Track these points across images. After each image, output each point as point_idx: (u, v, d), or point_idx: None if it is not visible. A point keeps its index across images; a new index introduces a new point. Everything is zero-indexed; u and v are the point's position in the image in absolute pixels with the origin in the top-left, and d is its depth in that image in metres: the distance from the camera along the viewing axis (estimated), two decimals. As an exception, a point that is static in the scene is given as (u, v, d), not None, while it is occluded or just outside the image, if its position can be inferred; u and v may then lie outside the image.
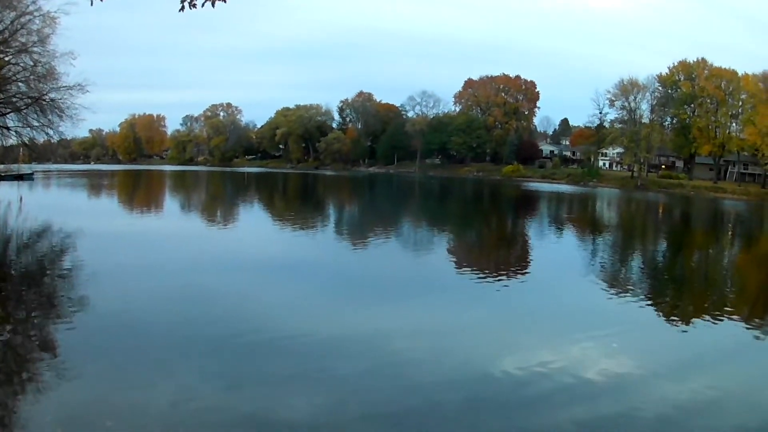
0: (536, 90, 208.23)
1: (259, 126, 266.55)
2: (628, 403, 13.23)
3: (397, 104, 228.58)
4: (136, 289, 22.30)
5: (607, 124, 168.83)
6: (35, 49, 58.50)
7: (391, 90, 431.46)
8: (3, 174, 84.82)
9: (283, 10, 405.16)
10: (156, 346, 15.84)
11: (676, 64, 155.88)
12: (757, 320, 21.91)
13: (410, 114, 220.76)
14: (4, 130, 63.08)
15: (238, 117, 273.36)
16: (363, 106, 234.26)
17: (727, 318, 21.35)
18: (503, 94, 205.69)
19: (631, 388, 14.17)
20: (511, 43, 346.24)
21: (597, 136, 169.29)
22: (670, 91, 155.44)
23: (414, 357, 15.84)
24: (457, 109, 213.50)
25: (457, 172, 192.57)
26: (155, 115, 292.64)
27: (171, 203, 74.37)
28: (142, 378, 13.57)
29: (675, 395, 13.79)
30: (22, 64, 60.26)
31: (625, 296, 24.37)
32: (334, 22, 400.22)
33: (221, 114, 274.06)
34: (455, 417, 12.39)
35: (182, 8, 10.50)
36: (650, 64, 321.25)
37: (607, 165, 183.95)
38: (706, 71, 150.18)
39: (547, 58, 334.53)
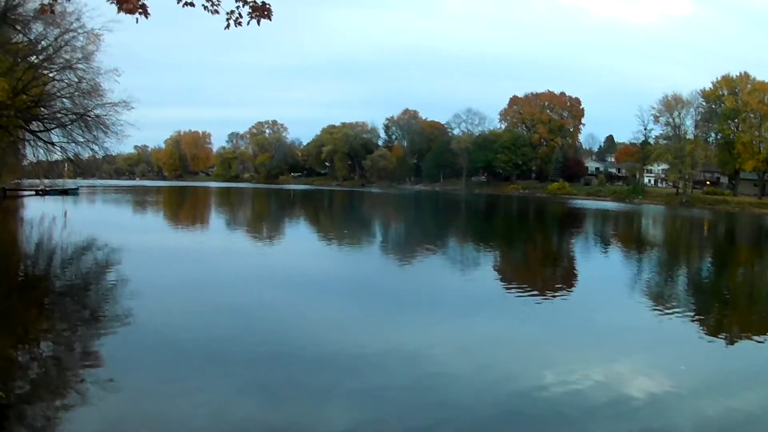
0: (581, 107, 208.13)
1: (304, 143, 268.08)
2: (667, 420, 13.18)
3: (443, 122, 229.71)
4: (178, 304, 22.69)
5: (651, 140, 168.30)
6: (79, 65, 59.71)
7: (437, 107, 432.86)
8: (48, 189, 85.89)
9: (328, 28, 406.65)
10: (196, 360, 15.96)
11: (719, 78, 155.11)
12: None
13: (455, 131, 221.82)
14: (49, 146, 64.31)
15: (283, 134, 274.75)
16: (408, 123, 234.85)
17: None
18: (548, 111, 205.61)
19: (669, 406, 14.10)
20: (555, 60, 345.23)
21: (642, 152, 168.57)
22: (713, 106, 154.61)
23: (454, 373, 15.86)
24: (503, 127, 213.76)
25: (502, 189, 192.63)
26: (201, 132, 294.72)
27: (216, 220, 74.55)
28: (182, 391, 13.74)
29: (714, 414, 13.82)
30: (66, 81, 61.34)
31: (669, 314, 24.02)
32: (380, 40, 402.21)
33: (267, 131, 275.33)
34: (493, 431, 12.60)
35: (228, 26, 11.13)
36: (691, 78, 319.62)
37: (652, 182, 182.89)
38: (749, 86, 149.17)
39: (592, 75, 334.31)
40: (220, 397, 13.47)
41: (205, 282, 27.74)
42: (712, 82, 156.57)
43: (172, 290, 25.50)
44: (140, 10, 10.54)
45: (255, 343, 17.75)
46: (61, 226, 50.95)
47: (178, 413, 12.66)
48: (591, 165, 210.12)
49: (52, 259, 34.84)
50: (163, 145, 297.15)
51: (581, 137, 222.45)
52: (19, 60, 58.39)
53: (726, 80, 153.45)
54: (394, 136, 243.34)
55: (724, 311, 27.33)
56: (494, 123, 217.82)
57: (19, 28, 57.94)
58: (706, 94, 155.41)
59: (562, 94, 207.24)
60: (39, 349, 16.38)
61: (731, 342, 20.86)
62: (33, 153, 67.00)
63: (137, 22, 10.85)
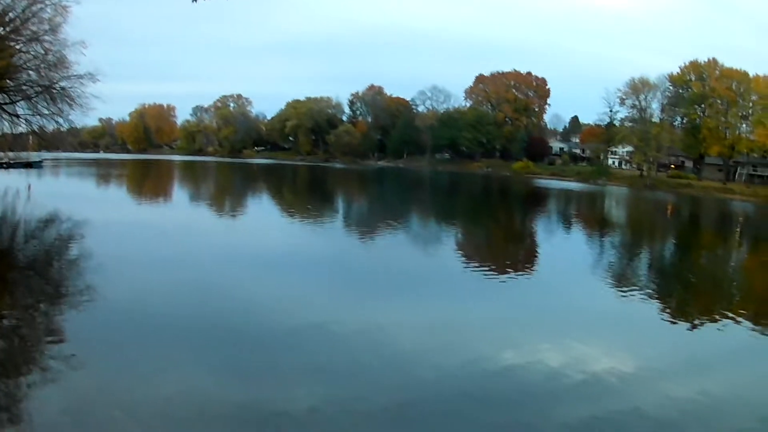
0: (547, 87, 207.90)
1: (269, 118, 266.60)
2: (632, 403, 13.32)
3: (408, 98, 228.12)
4: (143, 280, 22.52)
5: (617, 123, 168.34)
6: (46, 37, 58.55)
7: (402, 84, 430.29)
8: (12, 162, 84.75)
9: (293, 3, 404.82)
10: (162, 337, 16.05)
11: (687, 64, 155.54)
12: (763, 322, 21.78)
13: (420, 109, 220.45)
14: (14, 118, 63.25)
15: (248, 108, 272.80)
16: (373, 99, 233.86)
17: (733, 320, 21.39)
18: (514, 91, 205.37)
19: (634, 388, 14.27)
20: (522, 40, 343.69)
21: (607, 134, 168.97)
22: (680, 91, 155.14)
23: (419, 351, 16.02)
24: (468, 105, 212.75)
25: (466, 167, 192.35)
26: (165, 105, 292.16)
27: (180, 194, 74.54)
28: (150, 369, 13.74)
29: (678, 395, 13.93)
30: (33, 53, 60.36)
31: (630, 296, 24.45)
32: (345, 17, 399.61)
33: (231, 105, 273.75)
34: (459, 410, 12.56)
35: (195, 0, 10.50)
36: (659, 64, 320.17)
37: (616, 163, 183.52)
38: (717, 72, 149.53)
39: (558, 56, 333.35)
40: (187, 375, 13.59)
41: (170, 257, 27.89)
42: (679, 67, 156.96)
43: (136, 265, 25.34)
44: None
45: (221, 320, 17.79)
46: (24, 199, 50.67)
47: (145, 391, 12.63)
48: (555, 145, 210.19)
49: (15, 232, 34.65)
50: (127, 118, 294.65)
51: (546, 117, 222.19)
52: (-14, 33, 57.21)
53: (694, 65, 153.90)
54: (358, 112, 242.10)
55: (686, 293, 27.92)
56: (459, 101, 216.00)
57: (-14, 0, 56.71)
58: (673, 79, 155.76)
59: (529, 73, 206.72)
60: (2, 326, 16.30)
61: (692, 324, 21.29)
62: (-3, 125, 66.12)
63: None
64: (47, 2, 56.65)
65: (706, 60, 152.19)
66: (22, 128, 66.10)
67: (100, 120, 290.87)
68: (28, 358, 14.24)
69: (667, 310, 22.92)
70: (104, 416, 11.28)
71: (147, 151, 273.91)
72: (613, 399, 13.61)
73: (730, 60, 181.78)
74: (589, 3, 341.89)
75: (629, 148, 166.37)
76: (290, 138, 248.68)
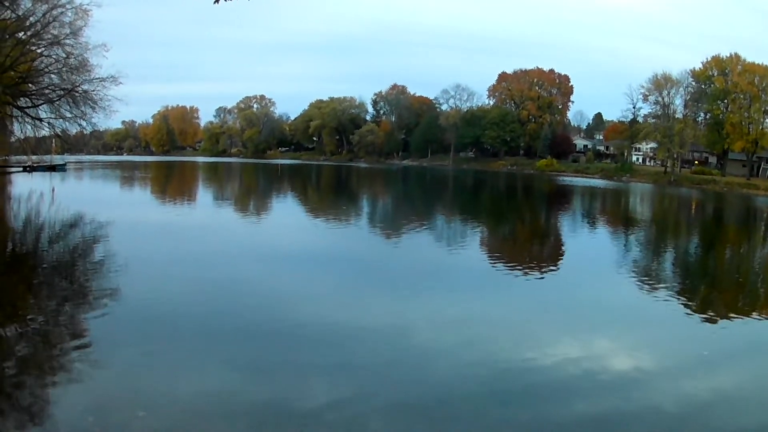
0: (570, 84, 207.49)
1: (292, 118, 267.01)
2: (650, 398, 13.22)
3: (431, 97, 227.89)
4: (167, 280, 22.71)
5: (640, 119, 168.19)
6: (67, 41, 59.56)
7: (425, 83, 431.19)
8: (35, 165, 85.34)
9: (318, 4, 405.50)
10: (185, 335, 16.12)
11: (709, 59, 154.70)
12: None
13: (444, 107, 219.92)
14: (37, 122, 64.18)
15: (271, 109, 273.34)
16: (397, 99, 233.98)
17: (757, 316, 21.39)
18: (537, 88, 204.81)
19: (654, 384, 14.17)
20: (545, 37, 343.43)
21: (630, 131, 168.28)
22: (703, 86, 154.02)
23: (438, 348, 16.04)
24: (491, 103, 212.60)
25: (490, 165, 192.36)
26: (188, 107, 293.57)
27: (204, 195, 74.48)
28: (172, 367, 13.88)
29: (698, 392, 13.97)
30: (54, 56, 61.11)
31: (655, 292, 24.24)
32: (368, 16, 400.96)
33: (254, 106, 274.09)
34: (474, 408, 12.54)
35: (217, 0, 11.04)
36: (682, 59, 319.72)
37: (640, 160, 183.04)
38: (739, 67, 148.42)
39: (581, 53, 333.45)
40: (209, 373, 13.62)
41: (193, 257, 27.79)
42: (702, 63, 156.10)
43: (160, 266, 25.51)
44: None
45: (242, 319, 17.82)
46: (48, 202, 50.85)
47: (167, 389, 12.69)
48: (579, 142, 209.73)
49: (39, 235, 34.77)
50: (150, 120, 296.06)
51: (570, 114, 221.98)
52: (7, 36, 58.03)
53: (716, 61, 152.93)
54: (382, 111, 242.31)
55: (710, 290, 27.46)
56: (483, 99, 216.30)
57: (7, 4, 57.50)
58: (695, 74, 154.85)
59: (551, 71, 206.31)
60: (27, 327, 16.21)
61: (716, 321, 20.88)
62: (21, 129, 67.12)
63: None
64: (68, 6, 57.47)
65: (728, 55, 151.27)
66: (45, 131, 67.35)
67: (123, 122, 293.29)
68: (52, 358, 14.30)
69: (692, 307, 22.59)
70: (128, 415, 11.35)
71: (170, 153, 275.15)
72: (634, 394, 13.51)
73: (751, 55, 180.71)
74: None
75: (653, 145, 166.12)
76: (314, 138, 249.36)
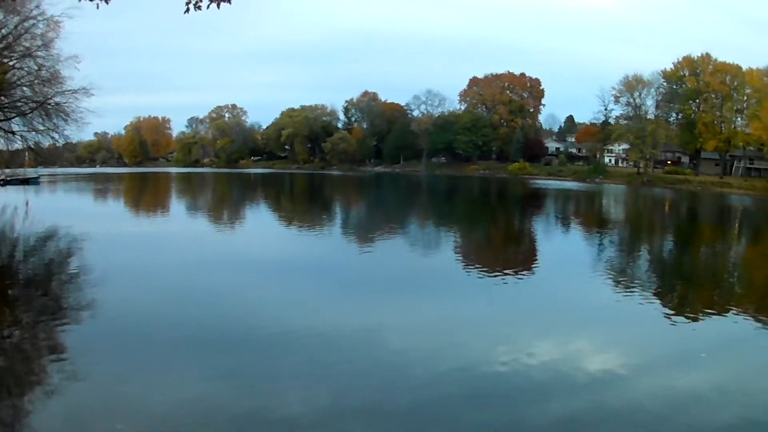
0: (541, 87, 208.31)
1: (264, 127, 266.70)
2: (628, 397, 13.37)
3: (403, 103, 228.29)
4: (142, 291, 22.60)
5: (612, 121, 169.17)
6: (39, 53, 58.58)
7: (397, 89, 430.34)
8: (9, 179, 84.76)
9: (285, 12, 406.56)
10: (162, 346, 16.07)
11: (680, 59, 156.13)
12: (763, 315, 21.71)
13: (416, 113, 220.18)
14: (10, 135, 63.19)
15: (243, 118, 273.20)
16: (368, 105, 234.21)
17: (733, 313, 21.42)
18: (508, 92, 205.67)
19: (632, 382, 14.33)
20: (515, 41, 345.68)
21: (602, 132, 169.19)
22: (675, 86, 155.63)
23: (413, 352, 16.10)
24: (463, 108, 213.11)
25: (463, 170, 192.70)
26: (160, 118, 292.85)
27: (177, 206, 74.31)
28: (149, 378, 13.83)
29: (677, 389, 13.94)
30: (26, 69, 60.33)
31: (629, 292, 24.41)
32: (337, 24, 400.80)
33: (226, 115, 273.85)
34: (451, 411, 12.52)
35: (187, 10, 10.67)
36: (653, 60, 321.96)
37: (613, 161, 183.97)
38: (710, 66, 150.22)
39: (552, 56, 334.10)
40: (186, 383, 13.66)
41: (168, 268, 28.17)
42: (673, 63, 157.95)
43: (135, 277, 25.44)
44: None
45: (219, 329, 17.91)
46: (23, 215, 50.54)
47: (145, 401, 12.66)
48: (551, 145, 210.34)
49: (14, 249, 34.72)
50: (123, 132, 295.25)
51: (541, 118, 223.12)
52: (-21, 50, 57.07)
53: (687, 61, 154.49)
54: (353, 119, 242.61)
55: (686, 288, 27.80)
56: (454, 104, 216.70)
57: (-21, 18, 56.54)
58: (667, 75, 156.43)
59: (522, 74, 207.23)
60: (3, 340, 16.30)
61: (691, 318, 20.97)
62: (-7, 143, 65.91)
63: (98, 8, 11.08)
64: (39, 18, 56.63)
65: (700, 55, 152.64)
66: (18, 145, 66.12)
67: (96, 134, 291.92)
68: (30, 371, 14.30)
69: (667, 305, 22.86)
70: (106, 427, 11.26)
71: (143, 164, 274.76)
72: (610, 393, 13.71)
73: (722, 55, 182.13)
74: (579, 2, 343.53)
75: (625, 146, 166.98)
76: (286, 147, 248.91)
